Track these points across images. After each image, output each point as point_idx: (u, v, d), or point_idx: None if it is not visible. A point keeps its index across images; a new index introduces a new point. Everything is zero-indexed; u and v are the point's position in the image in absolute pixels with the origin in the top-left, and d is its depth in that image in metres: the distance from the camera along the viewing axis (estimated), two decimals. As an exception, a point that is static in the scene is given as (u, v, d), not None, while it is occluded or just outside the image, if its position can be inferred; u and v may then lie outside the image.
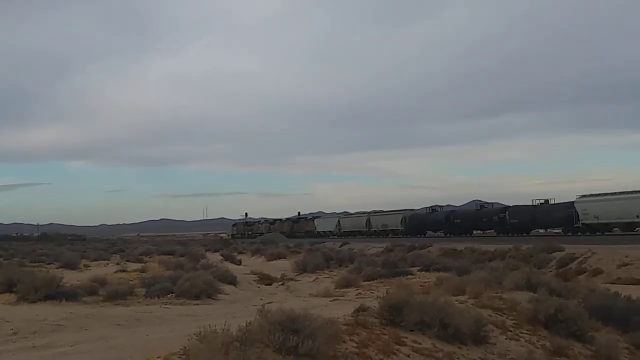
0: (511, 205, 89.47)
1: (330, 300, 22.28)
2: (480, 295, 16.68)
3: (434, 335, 12.38)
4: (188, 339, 9.12)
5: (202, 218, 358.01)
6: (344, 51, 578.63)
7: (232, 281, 32.98)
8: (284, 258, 58.55)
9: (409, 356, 11.30)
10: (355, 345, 10.85)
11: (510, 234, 79.62)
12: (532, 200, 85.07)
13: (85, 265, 46.40)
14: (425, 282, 26.68)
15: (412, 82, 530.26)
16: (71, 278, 30.79)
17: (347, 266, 41.19)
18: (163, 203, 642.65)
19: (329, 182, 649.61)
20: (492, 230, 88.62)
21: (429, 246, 57.65)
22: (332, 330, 10.62)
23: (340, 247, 72.07)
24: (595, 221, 70.20)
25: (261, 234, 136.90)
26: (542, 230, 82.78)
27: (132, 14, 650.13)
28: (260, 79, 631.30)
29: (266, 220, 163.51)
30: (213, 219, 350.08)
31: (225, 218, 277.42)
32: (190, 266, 37.79)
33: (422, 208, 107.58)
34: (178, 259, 46.14)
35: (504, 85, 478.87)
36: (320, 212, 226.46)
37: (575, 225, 72.33)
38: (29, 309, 19.95)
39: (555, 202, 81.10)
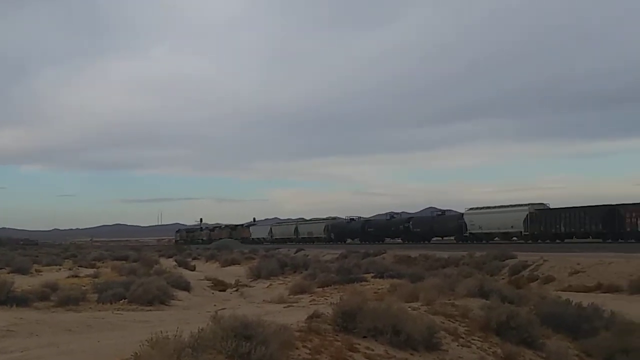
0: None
1: (284, 307, 22.28)
2: (433, 302, 16.78)
3: (387, 341, 12.42)
4: (140, 345, 9.06)
5: (156, 223, 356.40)
6: (301, 56, 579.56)
7: (186, 287, 32.84)
8: (239, 264, 58.47)
9: (361, 363, 11.33)
10: (308, 351, 10.84)
11: (413, 242, 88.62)
12: (432, 211, 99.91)
13: (36, 270, 45.73)
14: (379, 289, 26.77)
15: (368, 89, 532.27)
16: (22, 283, 30.40)
17: (301, 272, 41.24)
18: (117, 208, 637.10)
19: (286, 187, 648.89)
20: (399, 238, 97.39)
21: (383, 253, 57.92)
22: (285, 336, 10.60)
23: (295, 253, 72.09)
24: (480, 231, 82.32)
25: (202, 240, 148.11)
26: (439, 239, 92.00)
27: (89, 16, 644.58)
28: (216, 83, 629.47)
29: (207, 227, 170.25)
30: (168, 224, 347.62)
31: (180, 223, 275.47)
32: (144, 272, 37.53)
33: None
34: (131, 265, 45.81)
35: (460, 94, 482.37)
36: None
37: (464, 235, 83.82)
38: (-21, 315, 19.67)
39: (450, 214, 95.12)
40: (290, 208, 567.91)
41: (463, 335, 14.46)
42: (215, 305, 26.84)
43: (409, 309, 14.90)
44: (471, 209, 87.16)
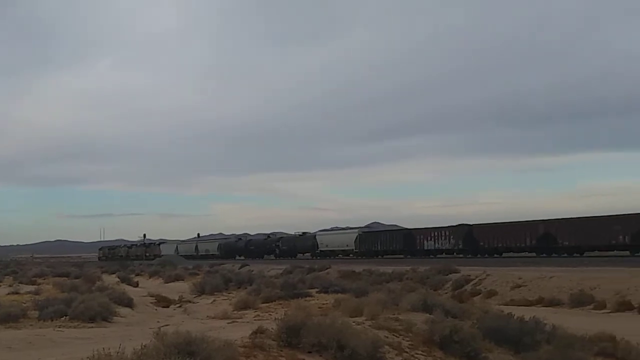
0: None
1: (228, 322, 22.17)
2: (377, 317, 16.83)
3: (331, 356, 12.44)
4: (81, 363, 8.96)
5: (99, 239, 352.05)
6: (244, 70, 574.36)
7: (129, 303, 32.49)
8: (182, 280, 58.01)
9: (306, 378, 11.33)
10: (252, 367, 10.82)
11: (282, 257, 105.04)
12: (294, 232, 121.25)
13: (-25, 287, 45.01)
14: (324, 304, 26.82)
15: (312, 104, 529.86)
16: (-40, 300, 29.85)
17: (246, 288, 41.07)
18: (58, 224, 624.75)
19: (230, 202, 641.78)
20: (272, 255, 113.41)
21: (328, 268, 58.07)
22: (229, 352, 10.57)
23: (239, 269, 71.89)
24: (327, 248, 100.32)
25: (121, 256, 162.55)
26: (301, 255, 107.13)
27: (29, 28, 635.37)
28: (159, 97, 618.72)
29: (125, 245, 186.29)
30: (110, 240, 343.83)
31: (123, 239, 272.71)
32: (86, 288, 37.05)
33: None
34: (73, 281, 45.22)
35: (404, 109, 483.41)
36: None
37: (316, 252, 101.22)
38: None
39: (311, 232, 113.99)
40: (235, 223, 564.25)
41: (407, 350, 14.53)
42: (158, 321, 26.60)
43: (354, 323, 14.93)
44: (321, 231, 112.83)
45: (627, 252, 59.26)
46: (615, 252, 60.33)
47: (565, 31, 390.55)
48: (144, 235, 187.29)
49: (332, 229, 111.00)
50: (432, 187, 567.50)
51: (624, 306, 28.09)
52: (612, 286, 31.14)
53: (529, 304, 31.30)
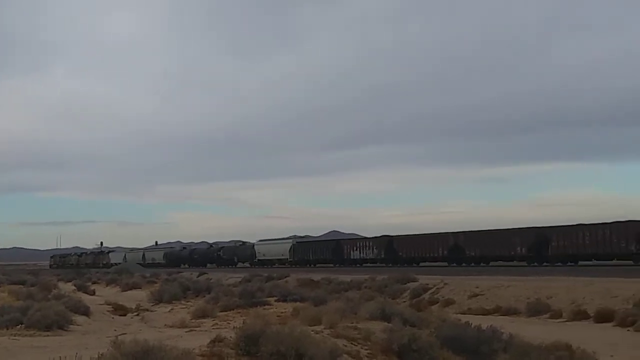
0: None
1: (186, 331, 22.05)
2: (336, 325, 16.84)
3: (290, 365, 12.43)
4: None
5: (55, 247, 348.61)
6: (202, 78, 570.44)
7: (85, 312, 32.16)
8: (140, 288, 57.58)
9: (264, 387, 11.30)
10: (210, 376, 10.78)
11: (224, 266, 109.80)
12: (234, 241, 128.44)
13: None
14: (282, 312, 26.79)
15: (271, 113, 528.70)
16: None
17: (204, 296, 40.87)
18: (14, 231, 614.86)
19: (189, 211, 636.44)
20: (215, 264, 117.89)
21: (286, 276, 58.01)
22: (187, 361, 10.52)
23: (197, 277, 71.53)
24: (264, 257, 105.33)
25: (72, 264, 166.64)
26: (242, 264, 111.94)
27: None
28: (116, 104, 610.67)
29: (75, 253, 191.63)
30: (67, 248, 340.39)
31: (79, 247, 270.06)
32: (42, 296, 36.63)
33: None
34: (29, 289, 44.67)
35: (365, 118, 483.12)
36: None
37: (254, 261, 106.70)
38: None
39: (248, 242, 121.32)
40: (193, 232, 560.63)
41: (365, 358, 14.57)
42: (115, 330, 26.37)
43: (312, 332, 14.93)
44: (260, 241, 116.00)
45: (525, 262, 63.31)
46: (515, 262, 64.44)
47: (527, 45, 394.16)
48: (101, 243, 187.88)
49: (279, 239, 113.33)
50: (393, 197, 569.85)
51: (580, 315, 28.36)
52: (568, 295, 31.45)
53: (486, 312, 31.51)
